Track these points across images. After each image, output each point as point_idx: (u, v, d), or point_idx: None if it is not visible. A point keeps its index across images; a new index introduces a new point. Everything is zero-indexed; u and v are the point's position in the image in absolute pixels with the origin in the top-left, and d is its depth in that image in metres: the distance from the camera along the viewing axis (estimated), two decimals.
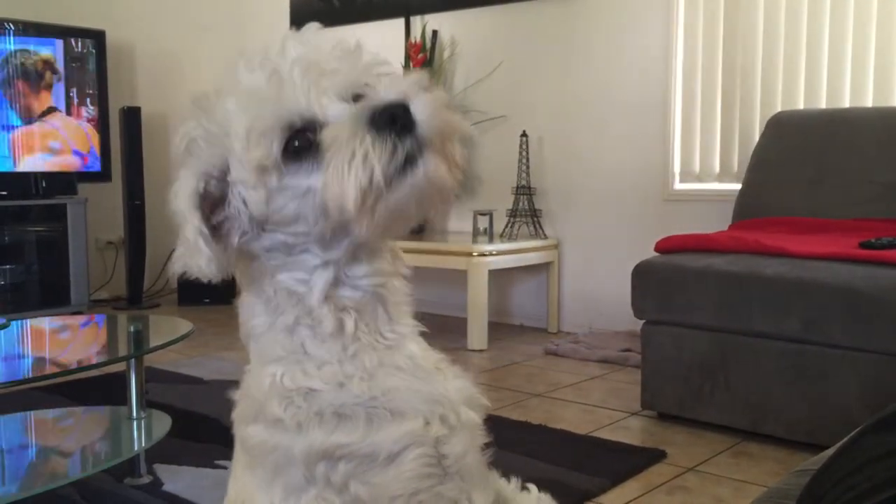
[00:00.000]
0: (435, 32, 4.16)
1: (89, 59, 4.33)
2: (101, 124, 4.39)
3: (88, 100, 4.34)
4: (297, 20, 4.74)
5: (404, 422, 0.81)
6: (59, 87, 4.24)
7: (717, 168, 3.44)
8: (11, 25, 4.05)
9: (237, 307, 0.89)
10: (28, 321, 2.44)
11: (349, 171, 0.73)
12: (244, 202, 0.80)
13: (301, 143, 0.77)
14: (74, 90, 4.29)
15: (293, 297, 0.83)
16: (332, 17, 4.59)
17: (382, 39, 4.38)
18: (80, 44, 4.29)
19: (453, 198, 0.83)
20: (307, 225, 0.79)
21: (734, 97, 3.38)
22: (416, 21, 4.24)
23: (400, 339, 0.89)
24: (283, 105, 0.78)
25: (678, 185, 3.54)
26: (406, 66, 4.11)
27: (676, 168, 3.53)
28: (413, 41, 4.13)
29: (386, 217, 0.76)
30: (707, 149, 3.46)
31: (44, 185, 4.15)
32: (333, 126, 0.76)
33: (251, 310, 0.86)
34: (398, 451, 0.80)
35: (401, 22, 4.26)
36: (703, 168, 3.48)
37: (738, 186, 3.08)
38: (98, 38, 4.36)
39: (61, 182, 4.21)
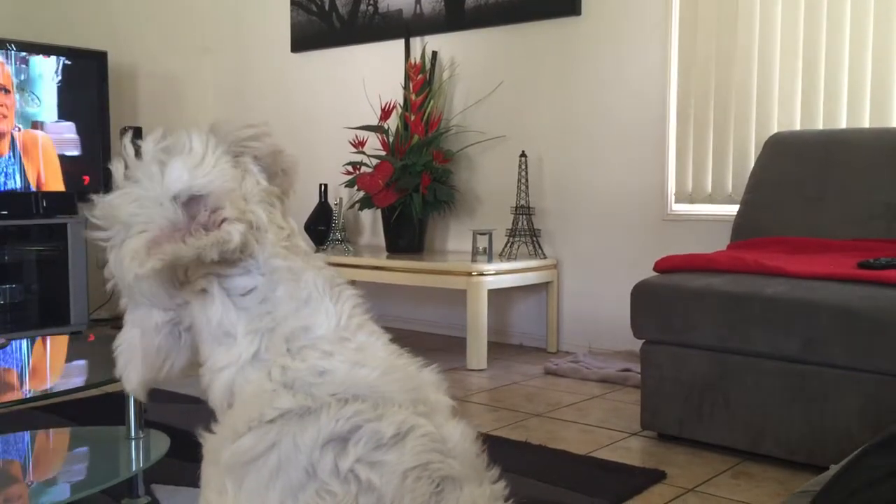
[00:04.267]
0: (435, 53, 4.18)
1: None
2: (103, 144, 4.40)
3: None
4: (299, 41, 4.77)
5: (400, 407, 0.84)
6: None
7: (712, 189, 3.46)
8: (14, 46, 4.08)
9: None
10: (27, 340, 2.43)
11: None
12: None
13: None
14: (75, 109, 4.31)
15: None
16: (332, 39, 4.62)
17: (382, 60, 4.41)
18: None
19: None
20: None
21: (729, 119, 3.40)
22: (416, 42, 4.27)
23: None
24: None
25: (676, 206, 3.55)
26: (406, 87, 4.14)
27: (673, 189, 3.55)
28: (413, 62, 4.15)
29: None
30: (703, 170, 3.48)
31: (44, 204, 4.16)
32: None
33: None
34: (405, 432, 0.82)
35: (401, 43, 4.29)
36: (698, 189, 3.49)
37: (735, 207, 3.09)
38: (100, 58, 4.38)
39: (61, 201, 4.22)
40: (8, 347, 2.24)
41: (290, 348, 0.87)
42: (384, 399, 0.84)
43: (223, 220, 0.84)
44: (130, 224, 0.86)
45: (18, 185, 4.12)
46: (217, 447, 0.87)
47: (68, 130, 4.31)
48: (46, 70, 4.20)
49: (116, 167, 0.89)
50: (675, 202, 3.55)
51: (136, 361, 0.95)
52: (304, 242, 0.95)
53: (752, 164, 3.17)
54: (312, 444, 0.80)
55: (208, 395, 0.94)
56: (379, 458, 0.80)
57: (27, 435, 2.29)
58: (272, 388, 0.85)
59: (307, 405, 0.82)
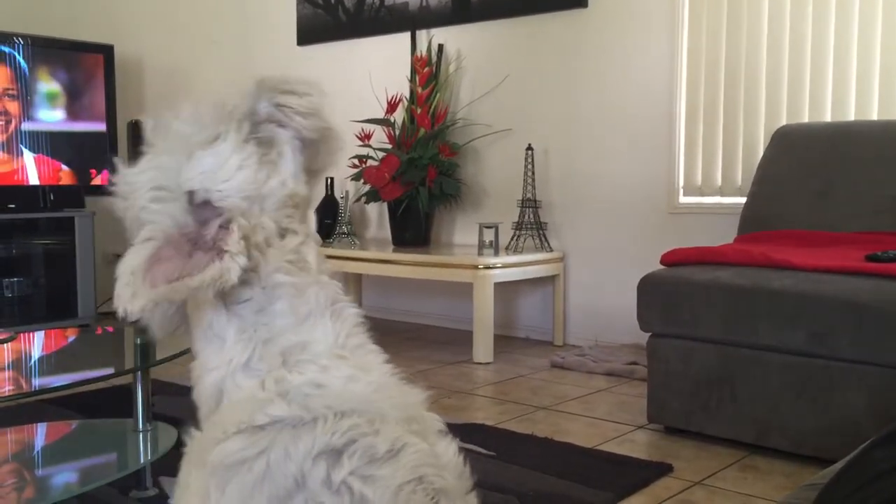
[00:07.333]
0: (441, 46, 4.18)
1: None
2: (109, 137, 4.41)
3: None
4: (305, 34, 4.77)
5: (395, 424, 0.83)
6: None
7: (720, 181, 3.44)
8: (20, 40, 4.09)
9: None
10: (35, 333, 2.44)
11: None
12: None
13: None
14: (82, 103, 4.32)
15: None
16: (338, 32, 4.62)
17: (388, 53, 4.40)
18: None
19: None
20: None
21: (738, 111, 3.39)
22: (423, 35, 4.26)
23: None
24: None
25: (683, 199, 3.54)
26: (412, 80, 4.13)
27: (681, 182, 3.54)
28: (419, 55, 4.15)
29: None
30: (711, 162, 3.46)
31: (51, 197, 4.17)
32: None
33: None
34: (398, 448, 0.81)
35: (407, 36, 4.28)
36: (707, 181, 3.48)
37: (743, 199, 3.08)
38: (107, 52, 4.39)
39: (69, 195, 4.23)
40: (16, 340, 2.25)
41: (287, 361, 0.85)
42: (380, 415, 0.83)
43: (225, 253, 0.82)
44: (142, 220, 0.85)
45: (25, 179, 4.13)
46: (204, 448, 0.83)
47: (75, 124, 4.31)
48: (53, 64, 4.21)
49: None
50: (684, 195, 3.54)
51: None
52: (314, 251, 0.92)
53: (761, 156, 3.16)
54: (305, 455, 0.78)
55: (195, 390, 0.90)
56: (372, 473, 0.79)
57: (35, 427, 2.30)
58: (265, 396, 0.83)
59: (301, 415, 0.81)
